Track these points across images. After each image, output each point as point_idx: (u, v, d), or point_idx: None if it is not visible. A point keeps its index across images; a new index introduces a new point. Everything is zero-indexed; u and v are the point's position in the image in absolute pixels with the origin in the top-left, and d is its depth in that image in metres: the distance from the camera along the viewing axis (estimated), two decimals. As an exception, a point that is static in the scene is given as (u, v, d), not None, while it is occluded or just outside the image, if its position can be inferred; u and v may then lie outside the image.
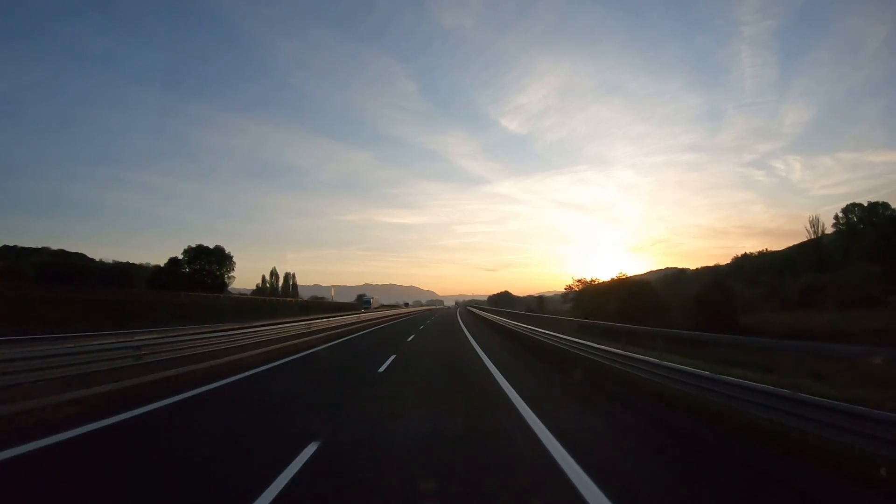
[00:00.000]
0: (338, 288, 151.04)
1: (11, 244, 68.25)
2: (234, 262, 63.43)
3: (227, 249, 62.61)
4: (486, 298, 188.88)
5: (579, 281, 63.35)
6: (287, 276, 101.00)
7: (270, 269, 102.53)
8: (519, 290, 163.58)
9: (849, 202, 61.87)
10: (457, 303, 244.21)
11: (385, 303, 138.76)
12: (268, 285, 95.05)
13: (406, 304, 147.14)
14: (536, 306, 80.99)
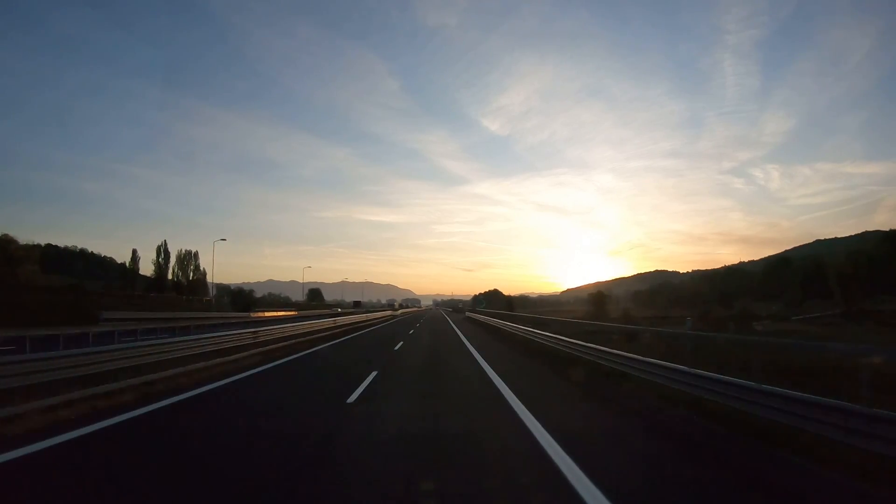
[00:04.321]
0: (314, 285, 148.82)
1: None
2: None
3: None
4: (469, 299, 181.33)
5: None
6: (186, 257, 61.17)
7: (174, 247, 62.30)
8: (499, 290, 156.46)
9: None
10: (434, 302, 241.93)
11: (350, 300, 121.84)
12: (154, 267, 58.74)
13: (356, 304, 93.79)
14: (594, 311, 45.86)
